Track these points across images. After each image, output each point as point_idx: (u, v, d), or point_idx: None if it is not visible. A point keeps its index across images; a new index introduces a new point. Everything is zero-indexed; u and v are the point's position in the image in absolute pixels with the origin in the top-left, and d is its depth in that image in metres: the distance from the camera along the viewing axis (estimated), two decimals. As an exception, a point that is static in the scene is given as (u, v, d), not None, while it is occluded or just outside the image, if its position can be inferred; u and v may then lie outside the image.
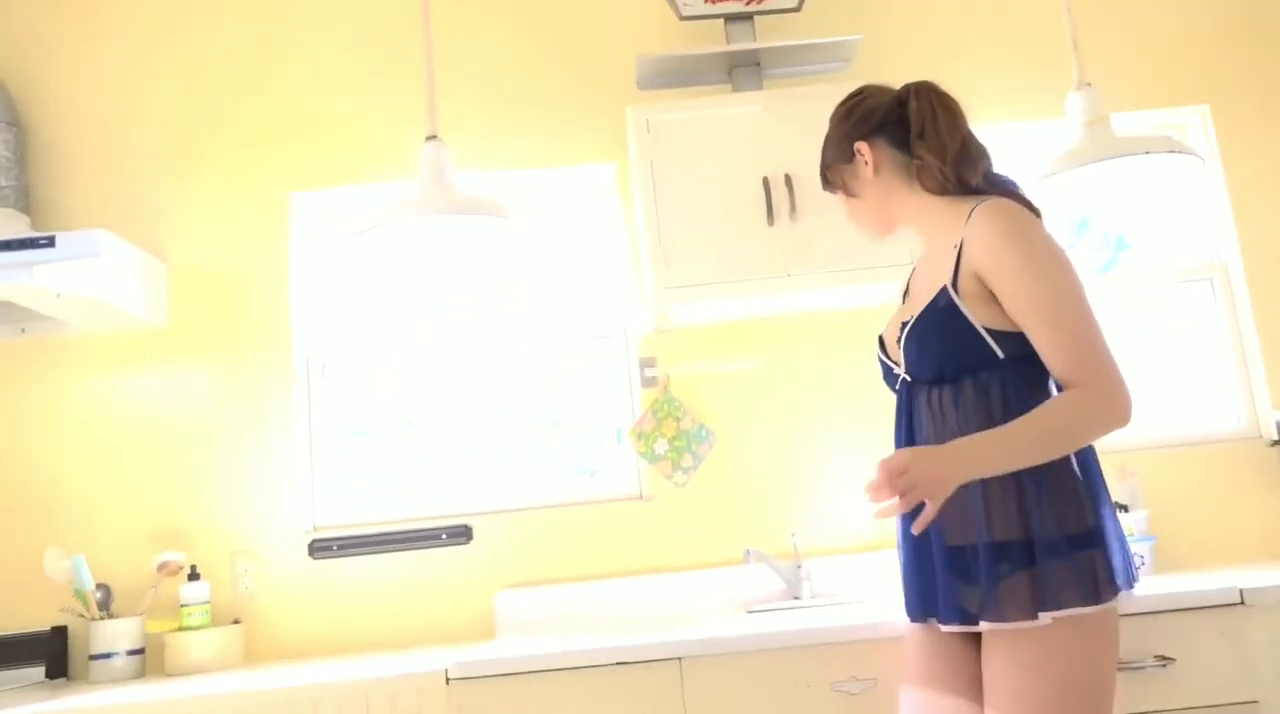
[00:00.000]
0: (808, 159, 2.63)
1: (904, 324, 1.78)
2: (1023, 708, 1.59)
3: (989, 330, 1.67)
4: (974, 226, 1.69)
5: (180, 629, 2.63)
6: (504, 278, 3.03)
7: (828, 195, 2.59)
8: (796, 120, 2.67)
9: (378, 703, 2.14)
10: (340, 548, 2.82)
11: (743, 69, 2.90)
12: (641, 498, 2.87)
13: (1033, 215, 1.72)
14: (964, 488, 1.65)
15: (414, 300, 3.01)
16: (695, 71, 2.91)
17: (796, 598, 2.69)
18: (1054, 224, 2.72)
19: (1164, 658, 2.10)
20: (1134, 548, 2.63)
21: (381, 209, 2.42)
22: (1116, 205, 2.95)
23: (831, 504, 2.83)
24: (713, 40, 3.00)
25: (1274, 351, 2.90)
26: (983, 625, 1.64)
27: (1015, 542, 1.62)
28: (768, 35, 3.00)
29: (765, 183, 2.63)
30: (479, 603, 2.79)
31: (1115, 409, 1.58)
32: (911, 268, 2.02)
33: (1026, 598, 1.60)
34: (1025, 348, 1.66)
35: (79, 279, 2.61)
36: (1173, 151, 2.45)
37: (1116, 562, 1.63)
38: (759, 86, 2.87)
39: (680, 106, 2.69)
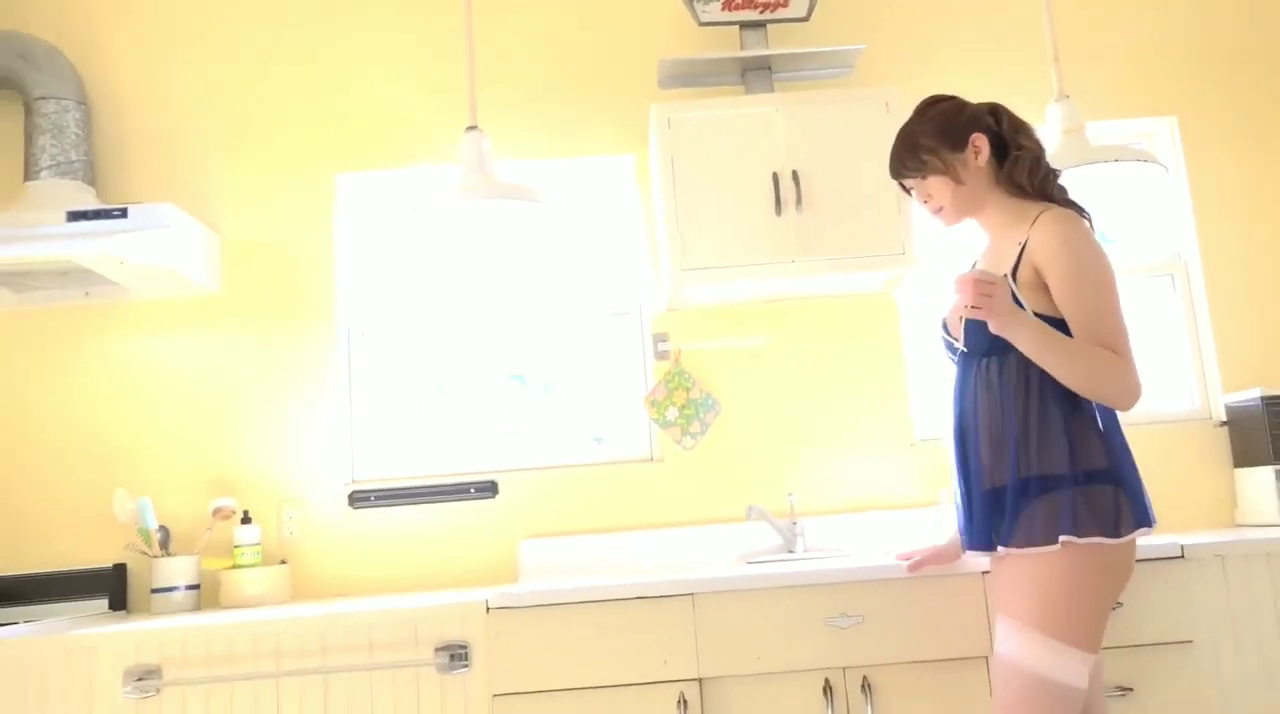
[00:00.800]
0: (814, 156, 2.92)
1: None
2: (1012, 605, 1.94)
3: (1037, 314, 1.98)
4: (1039, 229, 2.01)
5: (235, 567, 2.91)
6: (533, 257, 3.30)
7: (832, 189, 2.91)
8: (804, 121, 2.95)
9: (425, 628, 2.42)
10: (378, 499, 3.10)
11: (755, 72, 3.18)
12: (653, 460, 3.16)
13: (1086, 224, 2.04)
14: (1001, 437, 2.00)
15: (451, 275, 3.28)
16: (711, 74, 3.19)
17: (791, 552, 2.99)
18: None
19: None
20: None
21: (428, 192, 2.69)
22: (1092, 206, 3.25)
23: (825, 469, 3.13)
24: (728, 45, 3.28)
25: (1226, 343, 3.21)
26: (1001, 551, 1.98)
27: (1031, 479, 1.94)
28: (778, 42, 3.27)
29: (774, 177, 2.91)
30: (503, 551, 3.07)
31: (1126, 380, 1.94)
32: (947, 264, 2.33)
33: (1032, 527, 1.92)
34: (1064, 331, 1.97)
35: (147, 248, 2.86)
36: (1139, 160, 2.75)
37: (1110, 506, 1.92)
38: (770, 89, 3.15)
39: (699, 105, 2.97)
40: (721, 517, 3.10)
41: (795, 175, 2.91)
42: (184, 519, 3.06)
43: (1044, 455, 1.95)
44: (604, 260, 3.32)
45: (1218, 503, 3.11)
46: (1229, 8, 3.37)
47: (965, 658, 2.39)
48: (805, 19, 3.16)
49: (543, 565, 3.03)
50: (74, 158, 3.11)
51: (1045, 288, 1.99)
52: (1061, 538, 1.90)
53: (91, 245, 2.79)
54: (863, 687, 2.39)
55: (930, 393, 3.23)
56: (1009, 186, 2.13)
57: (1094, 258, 1.98)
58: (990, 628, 2.36)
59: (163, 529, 2.96)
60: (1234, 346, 3.21)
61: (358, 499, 3.10)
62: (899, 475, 3.12)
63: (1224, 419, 3.15)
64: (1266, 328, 3.21)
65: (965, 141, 2.12)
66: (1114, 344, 1.94)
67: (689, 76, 3.20)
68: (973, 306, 1.91)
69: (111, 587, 2.98)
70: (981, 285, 1.90)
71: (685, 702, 2.37)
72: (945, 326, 2.21)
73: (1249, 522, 3.01)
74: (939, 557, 2.39)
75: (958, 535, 2.20)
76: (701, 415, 3.13)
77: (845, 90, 3.00)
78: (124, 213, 2.84)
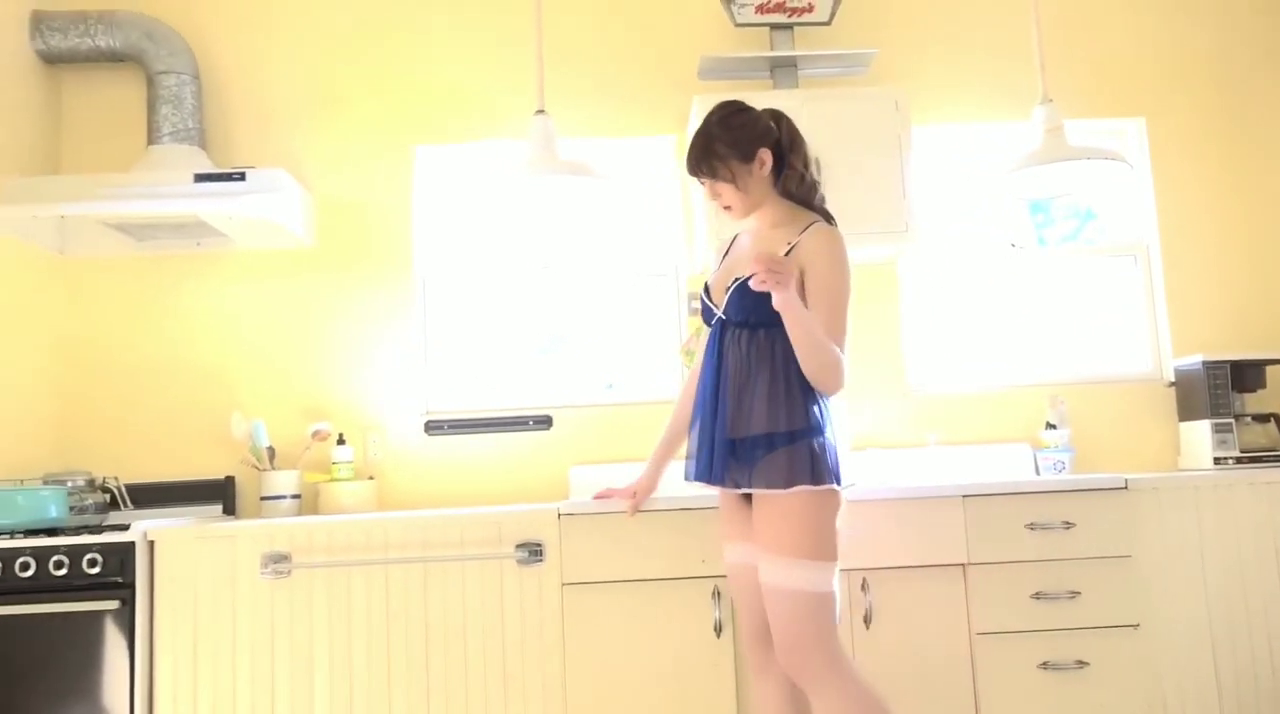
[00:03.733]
0: (832, 144, 3.40)
1: (736, 280, 2.42)
2: (777, 544, 2.31)
3: None
4: (811, 237, 2.38)
5: (333, 480, 3.42)
6: (587, 224, 3.80)
7: (844, 173, 3.40)
8: (825, 114, 3.43)
9: (508, 529, 2.95)
10: (450, 428, 3.62)
11: (782, 69, 3.66)
12: (685, 401, 3.69)
13: (843, 241, 2.40)
14: (746, 396, 2.36)
15: (517, 237, 3.78)
16: (744, 69, 3.67)
17: (801, 481, 3.52)
18: (1017, 206, 3.56)
19: (1069, 523, 2.96)
20: (1058, 456, 3.49)
21: (499, 165, 3.17)
22: (1071, 195, 3.77)
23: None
24: (758, 44, 3.76)
25: (1177, 315, 3.75)
26: (743, 490, 2.39)
27: (778, 433, 2.32)
28: (803, 42, 3.75)
29: (799, 162, 3.40)
30: (556, 475, 3.61)
31: (841, 374, 2.33)
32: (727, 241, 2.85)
33: (776, 473, 2.30)
34: None
35: (260, 207, 3.31)
36: (1109, 158, 3.26)
37: (834, 458, 2.32)
38: (795, 84, 3.64)
39: (735, 97, 3.44)
40: (743, 451, 3.63)
41: (816, 161, 3.39)
42: (281, 440, 3.57)
43: (788, 414, 2.31)
44: (646, 228, 3.82)
45: (1164, 450, 3.67)
46: (1197, 20, 3.87)
47: (944, 565, 2.95)
48: (828, 24, 3.64)
49: (589, 487, 3.56)
50: (190, 125, 3.58)
51: (801, 285, 2.34)
52: (801, 487, 2.27)
53: (215, 204, 3.26)
54: (861, 585, 2.94)
55: (922, 351, 3.76)
56: (782, 192, 2.47)
57: (845, 274, 2.36)
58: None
59: (269, 447, 3.47)
60: (1184, 318, 3.75)
61: (432, 427, 3.62)
62: (894, 420, 3.66)
63: (1172, 380, 3.69)
64: (1212, 304, 3.75)
65: (754, 155, 2.41)
66: (839, 342, 2.33)
67: (725, 71, 3.68)
68: (767, 279, 2.18)
69: (224, 495, 3.50)
70: (776, 263, 2.17)
71: (719, 593, 2.92)
72: (707, 292, 2.55)
73: (1189, 467, 3.56)
74: (628, 494, 2.88)
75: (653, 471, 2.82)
76: (728, 364, 3.64)
77: (860, 88, 3.49)
78: (243, 176, 3.31)
